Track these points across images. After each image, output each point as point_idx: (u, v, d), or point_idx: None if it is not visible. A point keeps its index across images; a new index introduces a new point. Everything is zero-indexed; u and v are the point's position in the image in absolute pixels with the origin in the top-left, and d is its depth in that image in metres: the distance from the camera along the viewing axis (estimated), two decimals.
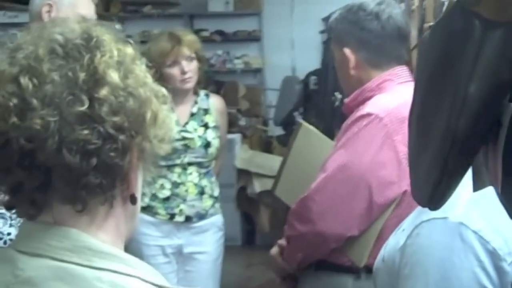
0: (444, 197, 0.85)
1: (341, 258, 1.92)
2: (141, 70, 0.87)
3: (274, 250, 2.09)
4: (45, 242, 0.82)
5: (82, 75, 0.80)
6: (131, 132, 0.82)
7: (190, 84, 3.09)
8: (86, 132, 0.78)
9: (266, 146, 6.59)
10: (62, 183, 0.80)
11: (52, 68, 0.80)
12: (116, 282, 0.80)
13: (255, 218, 5.80)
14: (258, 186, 5.61)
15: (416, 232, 1.15)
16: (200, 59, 3.13)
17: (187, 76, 3.04)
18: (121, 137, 0.80)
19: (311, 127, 2.22)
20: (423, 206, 0.88)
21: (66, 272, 0.80)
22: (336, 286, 1.94)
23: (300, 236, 1.94)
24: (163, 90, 0.90)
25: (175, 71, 3.04)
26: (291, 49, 7.59)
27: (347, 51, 1.97)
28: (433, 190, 0.83)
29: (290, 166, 2.16)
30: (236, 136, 6.12)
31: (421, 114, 0.85)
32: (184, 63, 3.04)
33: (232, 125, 6.55)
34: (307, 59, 6.87)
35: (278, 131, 6.50)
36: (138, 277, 0.82)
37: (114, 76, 0.81)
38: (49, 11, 2.40)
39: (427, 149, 0.82)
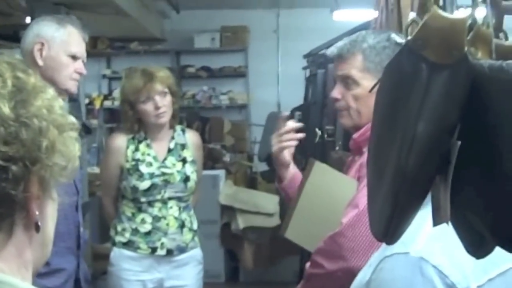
0: (398, 231, 0.87)
1: None
2: (43, 99, 0.87)
3: None
4: None
5: None
6: (25, 162, 0.82)
7: (164, 119, 3.15)
8: None
9: (250, 182, 6.61)
10: None
11: None
12: None
13: (238, 254, 5.79)
14: (242, 222, 5.61)
15: (380, 267, 1.18)
16: (173, 94, 3.18)
17: (161, 111, 3.10)
18: (13, 167, 0.81)
19: (325, 165, 2.16)
20: (379, 240, 0.90)
21: None
22: None
23: (327, 274, 1.89)
24: (69, 119, 0.90)
25: (149, 106, 3.10)
26: (276, 85, 7.68)
27: None
28: (386, 225, 0.86)
29: (302, 206, 2.07)
30: (221, 172, 6.14)
31: (375, 151, 0.89)
32: (157, 98, 3.09)
33: (216, 161, 6.59)
34: (292, 95, 6.93)
35: (262, 167, 6.53)
36: None
37: (3, 107, 0.82)
38: (40, 49, 2.43)
39: (381, 185, 0.86)
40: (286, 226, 2.07)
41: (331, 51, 2.04)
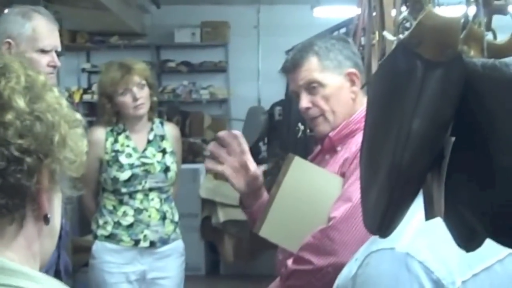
0: (392, 225, 0.89)
1: None
2: (52, 96, 0.90)
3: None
4: None
5: None
6: (39, 155, 0.85)
7: (143, 110, 3.17)
8: None
9: None
10: None
11: None
12: None
13: (219, 247, 5.81)
14: (222, 215, 5.63)
15: (366, 262, 1.18)
16: (151, 86, 3.21)
17: (139, 102, 3.13)
18: (28, 159, 0.84)
19: (305, 160, 2.05)
20: (373, 234, 0.92)
21: None
22: None
23: (315, 270, 1.85)
24: (77, 115, 0.94)
25: (127, 98, 3.12)
26: (256, 80, 7.69)
27: (354, 70, 1.97)
28: (381, 219, 0.88)
29: (279, 204, 1.97)
30: (201, 166, 6.14)
31: (369, 147, 0.91)
32: (135, 90, 3.12)
33: (197, 155, 6.59)
34: (272, 90, 6.97)
35: None
36: None
37: (19, 101, 0.85)
38: (9, 49, 2.39)
39: (375, 180, 0.87)
40: (260, 224, 1.96)
41: (284, 67, 2.05)
